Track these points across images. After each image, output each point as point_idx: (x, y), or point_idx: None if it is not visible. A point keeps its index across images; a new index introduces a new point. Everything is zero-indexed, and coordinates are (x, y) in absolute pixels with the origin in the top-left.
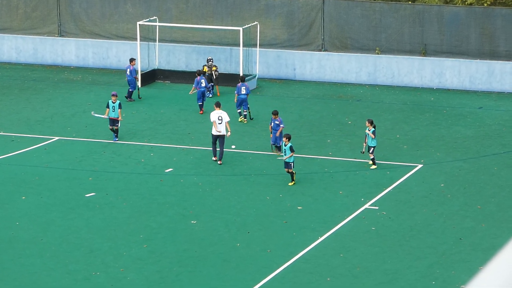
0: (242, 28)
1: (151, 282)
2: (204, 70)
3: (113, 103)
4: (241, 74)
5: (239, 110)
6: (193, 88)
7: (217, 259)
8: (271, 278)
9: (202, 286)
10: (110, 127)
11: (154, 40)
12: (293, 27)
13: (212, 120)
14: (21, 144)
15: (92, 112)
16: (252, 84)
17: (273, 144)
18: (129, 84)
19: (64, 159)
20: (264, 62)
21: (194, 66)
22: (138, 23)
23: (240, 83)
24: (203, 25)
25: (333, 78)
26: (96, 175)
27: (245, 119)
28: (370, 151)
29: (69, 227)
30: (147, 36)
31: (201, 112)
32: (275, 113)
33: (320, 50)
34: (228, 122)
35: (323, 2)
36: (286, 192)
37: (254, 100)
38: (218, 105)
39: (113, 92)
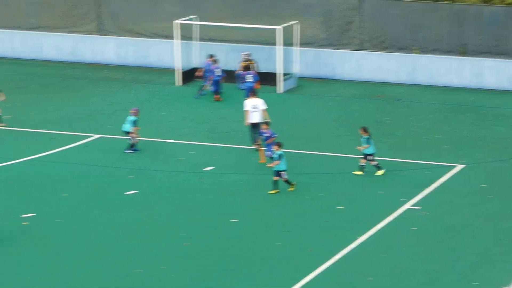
0: (281, 27)
1: (192, 280)
2: (247, 64)
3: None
4: (279, 73)
5: None
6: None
7: (257, 258)
8: (312, 278)
9: (242, 285)
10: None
11: (193, 39)
12: (331, 26)
13: (245, 109)
14: (61, 141)
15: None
16: (291, 83)
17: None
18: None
19: (105, 157)
20: (303, 61)
21: (232, 65)
22: (174, 22)
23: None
24: (242, 23)
25: (372, 77)
26: (137, 173)
27: None
28: (370, 159)
29: (110, 225)
30: (186, 35)
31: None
32: (267, 124)
33: (359, 50)
34: (265, 110)
35: (361, 1)
36: (327, 192)
37: (293, 100)
38: (254, 93)
39: (134, 108)
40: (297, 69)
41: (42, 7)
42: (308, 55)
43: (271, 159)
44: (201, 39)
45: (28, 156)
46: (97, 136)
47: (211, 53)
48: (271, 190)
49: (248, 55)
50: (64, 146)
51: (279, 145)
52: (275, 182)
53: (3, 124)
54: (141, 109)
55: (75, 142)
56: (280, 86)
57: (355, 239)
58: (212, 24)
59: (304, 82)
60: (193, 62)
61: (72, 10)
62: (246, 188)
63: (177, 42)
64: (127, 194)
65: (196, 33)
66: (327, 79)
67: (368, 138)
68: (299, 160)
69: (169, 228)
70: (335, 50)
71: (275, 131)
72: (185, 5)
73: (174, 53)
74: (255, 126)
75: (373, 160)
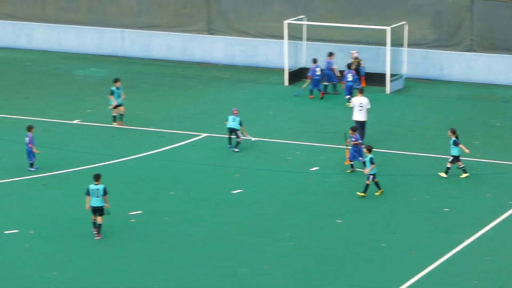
0: (390, 28)
1: (296, 280)
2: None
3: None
4: (388, 74)
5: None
6: (308, 77)
7: (362, 259)
8: (416, 280)
9: (345, 286)
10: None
11: (301, 39)
12: (441, 27)
13: (351, 106)
14: (170, 140)
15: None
16: (399, 84)
17: (351, 161)
18: (329, 79)
19: (212, 156)
20: (411, 62)
21: (340, 65)
22: (285, 21)
23: (314, 64)
24: (350, 24)
25: (481, 79)
26: (243, 172)
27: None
28: (450, 160)
29: (216, 223)
30: (294, 34)
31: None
32: (354, 129)
33: (468, 51)
34: (368, 109)
35: (472, 2)
36: (432, 194)
37: (400, 100)
38: (361, 91)
39: (234, 109)
40: (405, 69)
41: (153, 6)
42: (416, 56)
43: (363, 164)
44: (309, 39)
45: (138, 154)
46: (204, 135)
47: (319, 52)
48: (361, 192)
49: (356, 53)
50: (173, 144)
51: (370, 150)
52: (367, 185)
53: (119, 123)
54: (248, 109)
55: (184, 140)
56: (388, 87)
57: (461, 241)
58: (321, 24)
59: (412, 83)
60: (300, 62)
61: (183, 9)
62: (351, 189)
63: (286, 42)
64: (233, 193)
65: (304, 33)
66: (435, 80)
67: (455, 140)
68: (405, 162)
69: (274, 227)
70: (444, 51)
71: (381, 132)
72: (293, 5)
73: (283, 53)
74: (361, 124)
75: (459, 161)
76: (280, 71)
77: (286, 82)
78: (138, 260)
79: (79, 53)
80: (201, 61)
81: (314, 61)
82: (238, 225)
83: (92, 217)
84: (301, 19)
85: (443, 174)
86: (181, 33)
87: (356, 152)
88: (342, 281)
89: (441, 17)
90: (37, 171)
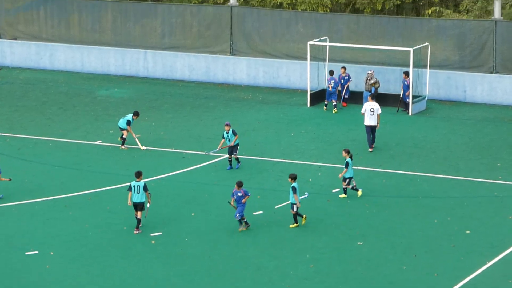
0: (413, 49)
1: None
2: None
3: (227, 133)
4: (411, 96)
5: (326, 102)
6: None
7: (383, 281)
8: None
9: None
10: (229, 157)
11: (324, 60)
12: (464, 49)
13: (362, 112)
14: (191, 161)
15: (205, 152)
16: (421, 106)
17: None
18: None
19: (233, 177)
20: (434, 83)
21: (363, 86)
22: (309, 42)
23: (330, 76)
24: (373, 45)
25: (504, 100)
26: (264, 194)
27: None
28: (347, 182)
29: (237, 245)
30: (317, 56)
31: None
32: (239, 184)
33: (491, 72)
34: (379, 114)
35: (495, 24)
36: (454, 216)
37: (423, 122)
38: (372, 97)
39: (226, 122)
40: (427, 91)
41: (177, 28)
42: (439, 78)
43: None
44: (332, 60)
45: (159, 175)
46: (226, 156)
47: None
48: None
49: (372, 74)
50: (194, 165)
51: (293, 178)
52: (294, 215)
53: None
54: (270, 130)
55: (205, 161)
56: (410, 108)
57: (483, 264)
58: (344, 45)
59: (434, 105)
60: (323, 83)
61: (206, 30)
62: (372, 211)
63: (308, 63)
64: (254, 214)
65: (327, 54)
66: (457, 102)
67: (348, 162)
68: (427, 183)
69: (295, 249)
70: (467, 72)
71: (403, 153)
72: (316, 26)
73: (305, 74)
74: (371, 128)
75: (348, 183)
76: (303, 92)
77: (308, 104)
78: (158, 282)
79: (102, 74)
80: (224, 82)
81: (331, 73)
82: (259, 246)
83: (135, 213)
84: (324, 40)
85: (342, 195)
86: (204, 54)
87: (241, 207)
88: None
89: (464, 38)
90: (59, 191)
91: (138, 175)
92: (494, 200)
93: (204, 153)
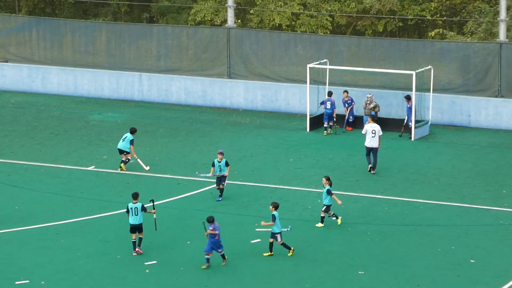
0: (415, 72)
1: None
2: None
3: (219, 162)
4: (413, 120)
5: (325, 125)
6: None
7: None
8: None
9: None
10: (217, 186)
11: (324, 84)
12: (469, 72)
13: (363, 133)
14: (187, 187)
15: (197, 173)
16: (424, 131)
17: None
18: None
19: (230, 204)
20: (437, 107)
21: (363, 111)
22: (308, 65)
23: (326, 97)
24: (374, 68)
25: (511, 125)
26: (262, 221)
27: (329, 131)
28: (323, 209)
29: (234, 274)
30: (317, 79)
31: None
32: (211, 220)
33: (496, 96)
34: (380, 136)
35: (501, 47)
36: (459, 244)
37: (426, 147)
38: (373, 118)
39: (220, 150)
40: (430, 116)
41: (173, 50)
42: (442, 102)
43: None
44: (332, 83)
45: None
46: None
47: (342, 97)
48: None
49: (372, 98)
50: (190, 192)
51: (275, 206)
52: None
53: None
54: (268, 155)
55: (201, 188)
56: (413, 133)
57: None
58: (344, 68)
59: (438, 130)
60: (323, 107)
61: (203, 53)
62: (374, 239)
63: (308, 87)
64: (252, 242)
65: (327, 77)
66: (462, 126)
67: (328, 189)
68: (431, 211)
69: (294, 278)
70: (471, 96)
71: (406, 180)
72: (316, 49)
73: (305, 98)
74: (372, 150)
75: (325, 211)
76: (302, 116)
77: (308, 128)
78: None
79: (95, 97)
80: (221, 106)
81: (329, 94)
82: (257, 276)
83: (132, 236)
84: (324, 63)
85: (319, 224)
86: (200, 77)
87: (214, 244)
88: None
89: (469, 61)
90: (50, 218)
91: (135, 196)
92: (500, 228)
93: (196, 173)
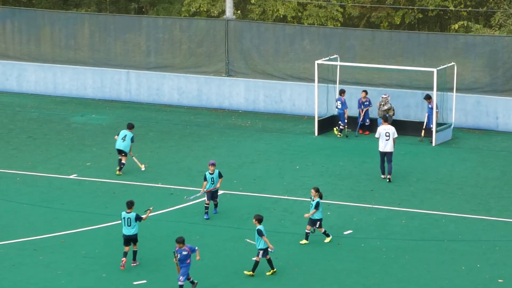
0: (437, 70)
1: None
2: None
3: (211, 174)
4: (434, 123)
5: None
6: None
7: None
8: None
9: None
10: (207, 202)
11: (334, 82)
12: (497, 69)
13: (376, 136)
14: (181, 197)
15: (185, 197)
16: (446, 135)
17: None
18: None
19: (229, 216)
20: (461, 109)
21: (376, 112)
22: (316, 62)
23: (338, 96)
24: (391, 65)
25: None
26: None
27: (339, 133)
28: (317, 225)
29: None
30: (326, 77)
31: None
32: (180, 241)
33: None
34: (395, 138)
35: None
36: (485, 262)
37: (448, 153)
38: (386, 119)
39: (211, 161)
40: (453, 118)
41: (164, 44)
42: (467, 102)
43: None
44: (343, 82)
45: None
46: (221, 192)
47: (355, 97)
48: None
49: (387, 98)
50: (184, 203)
51: (259, 220)
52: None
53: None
54: (271, 163)
55: (196, 199)
56: (434, 138)
57: None
58: (357, 65)
59: (462, 134)
60: (332, 108)
61: (198, 48)
62: (390, 255)
63: (316, 86)
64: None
65: (337, 75)
66: (488, 130)
67: (318, 202)
68: (454, 224)
69: None
70: (499, 97)
71: (426, 189)
72: (325, 43)
73: (312, 98)
74: (386, 155)
75: (320, 226)
76: (309, 118)
77: (316, 132)
78: None
79: (77, 98)
80: (218, 107)
81: (340, 92)
82: None
83: (125, 248)
84: (334, 59)
85: (303, 241)
86: (195, 75)
87: (185, 268)
88: None
89: (496, 57)
90: (28, 232)
91: (130, 205)
92: None
93: (185, 197)
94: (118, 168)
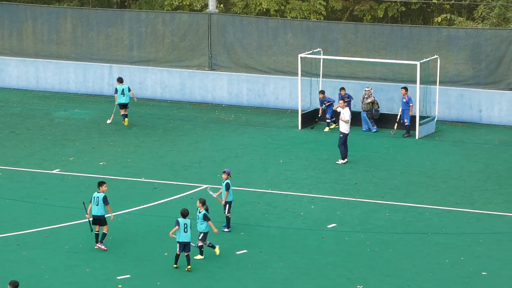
0: (420, 63)
1: None
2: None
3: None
4: (417, 116)
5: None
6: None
7: None
8: None
9: None
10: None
11: (317, 75)
12: (480, 62)
13: (347, 119)
14: (164, 192)
15: (208, 189)
16: (430, 128)
17: None
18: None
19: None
20: (444, 102)
21: (359, 105)
22: (299, 55)
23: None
24: (374, 58)
25: None
26: (248, 230)
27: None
28: (200, 237)
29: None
30: (309, 70)
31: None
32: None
33: (511, 89)
34: (345, 121)
35: None
36: (469, 255)
37: (432, 147)
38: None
39: (226, 170)
40: (437, 111)
41: (147, 38)
42: (450, 95)
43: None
44: (326, 75)
45: (126, 209)
46: (205, 186)
47: (338, 90)
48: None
49: (370, 91)
50: (168, 197)
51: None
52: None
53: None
54: (255, 156)
55: (180, 193)
56: (417, 131)
57: None
58: (340, 58)
59: (445, 127)
60: (316, 102)
61: (181, 42)
62: (374, 249)
63: (299, 79)
64: (237, 254)
65: (320, 68)
66: (472, 123)
67: (205, 214)
68: (437, 218)
69: None
70: (482, 90)
71: (410, 183)
72: (308, 37)
73: (296, 92)
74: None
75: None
76: (293, 112)
77: (300, 126)
78: None
79: (60, 92)
80: (202, 101)
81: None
82: None
83: (96, 228)
84: (317, 53)
85: (199, 256)
86: (178, 69)
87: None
88: None
89: (479, 50)
90: (11, 228)
91: (101, 184)
92: None
93: (208, 189)
94: (125, 118)
